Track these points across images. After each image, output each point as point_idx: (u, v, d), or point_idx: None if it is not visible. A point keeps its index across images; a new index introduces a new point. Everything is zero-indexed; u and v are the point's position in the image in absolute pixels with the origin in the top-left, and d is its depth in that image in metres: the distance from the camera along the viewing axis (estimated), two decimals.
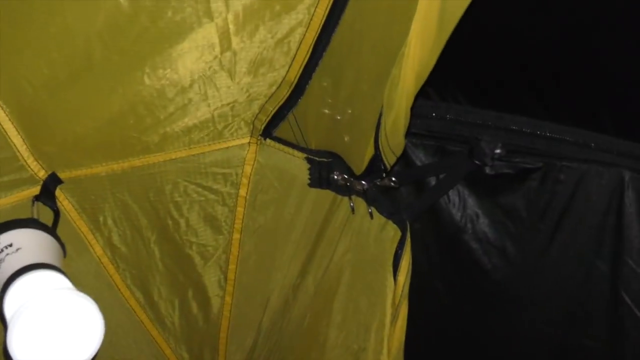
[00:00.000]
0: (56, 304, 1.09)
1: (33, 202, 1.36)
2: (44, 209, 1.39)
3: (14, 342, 1.05)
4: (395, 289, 1.47)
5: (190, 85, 1.28)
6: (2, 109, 1.17)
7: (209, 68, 1.25)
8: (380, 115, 1.21)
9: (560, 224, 1.61)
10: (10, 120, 1.19)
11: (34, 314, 1.06)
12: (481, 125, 1.54)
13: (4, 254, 1.21)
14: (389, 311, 1.48)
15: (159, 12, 1.09)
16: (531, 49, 1.41)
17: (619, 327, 1.59)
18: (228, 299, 1.79)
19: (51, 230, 1.34)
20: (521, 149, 1.55)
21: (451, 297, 1.85)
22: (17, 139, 1.24)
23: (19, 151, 1.26)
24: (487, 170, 1.61)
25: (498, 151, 1.54)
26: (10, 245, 1.23)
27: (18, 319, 1.04)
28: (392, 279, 1.47)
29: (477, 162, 1.56)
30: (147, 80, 1.22)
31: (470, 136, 1.56)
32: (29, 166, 1.31)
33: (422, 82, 1.11)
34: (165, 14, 1.10)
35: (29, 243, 1.26)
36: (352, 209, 1.50)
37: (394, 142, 1.25)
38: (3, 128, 1.20)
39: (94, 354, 1.16)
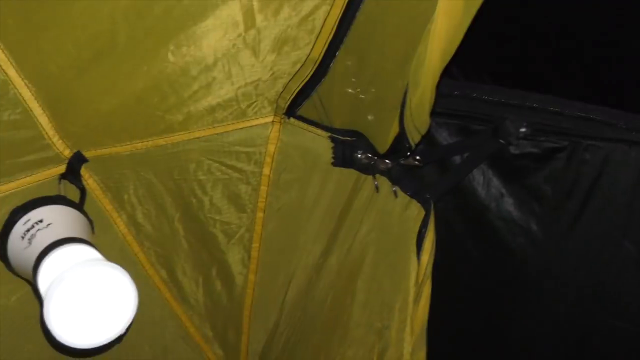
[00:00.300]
0: (91, 275, 1.11)
1: (59, 180, 1.38)
2: (70, 187, 1.40)
3: (52, 314, 1.07)
4: (419, 268, 1.46)
5: (214, 63, 1.28)
6: (28, 88, 1.17)
7: (233, 46, 1.25)
8: (405, 93, 1.20)
9: (586, 204, 1.59)
10: (36, 99, 1.20)
11: (70, 285, 1.08)
12: (506, 104, 1.53)
13: (35, 229, 1.23)
14: (412, 290, 1.48)
15: None
16: (556, 26, 1.40)
17: None
18: (251, 277, 1.80)
19: (79, 206, 1.36)
20: (546, 127, 1.54)
21: (475, 276, 1.85)
22: (42, 118, 1.25)
23: (44, 130, 1.27)
24: (512, 149, 1.59)
25: (523, 130, 1.53)
26: (41, 221, 1.25)
27: (54, 291, 1.06)
28: (415, 258, 1.46)
29: (501, 141, 1.55)
30: (171, 58, 1.22)
31: (495, 115, 1.55)
32: (55, 145, 1.32)
33: (448, 59, 1.11)
34: None
35: (59, 218, 1.27)
36: (377, 188, 1.50)
37: (419, 120, 1.24)
38: (29, 107, 1.20)
39: (128, 324, 1.18)
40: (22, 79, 1.15)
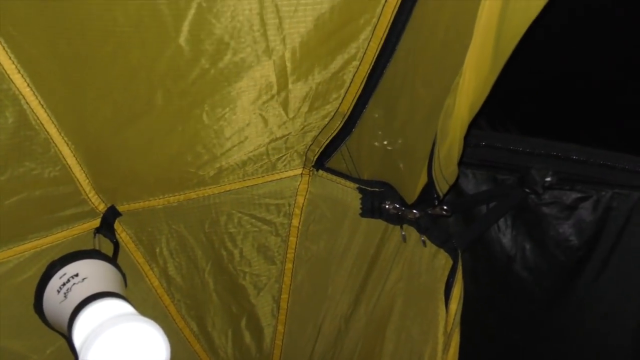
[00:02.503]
0: (125, 330, 1.11)
1: (94, 234, 1.40)
2: (104, 241, 1.43)
3: None
4: (447, 317, 1.46)
5: (247, 125, 1.31)
6: (68, 145, 1.20)
7: (266, 107, 1.28)
8: (434, 144, 1.22)
9: (612, 253, 1.59)
10: (74, 156, 1.23)
11: (105, 340, 1.09)
12: (531, 154, 1.54)
13: (70, 283, 1.25)
14: (441, 339, 1.48)
15: (219, 54, 1.12)
16: (582, 75, 1.42)
17: None
18: (280, 328, 1.81)
19: (113, 260, 1.38)
20: (572, 176, 1.55)
21: (501, 326, 1.84)
22: (80, 174, 1.28)
23: (81, 186, 1.30)
24: (538, 198, 1.60)
25: (549, 179, 1.54)
26: (77, 275, 1.26)
27: (90, 346, 1.07)
28: (444, 307, 1.47)
29: (527, 190, 1.56)
30: (205, 119, 1.25)
31: (521, 164, 1.56)
32: (90, 200, 1.35)
33: (476, 111, 1.12)
34: (225, 55, 1.13)
35: (94, 273, 1.29)
36: (404, 238, 1.51)
37: (447, 170, 1.26)
38: (68, 163, 1.24)
39: None
40: (63, 137, 1.18)
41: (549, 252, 1.69)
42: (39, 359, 1.46)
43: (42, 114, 1.13)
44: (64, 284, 1.27)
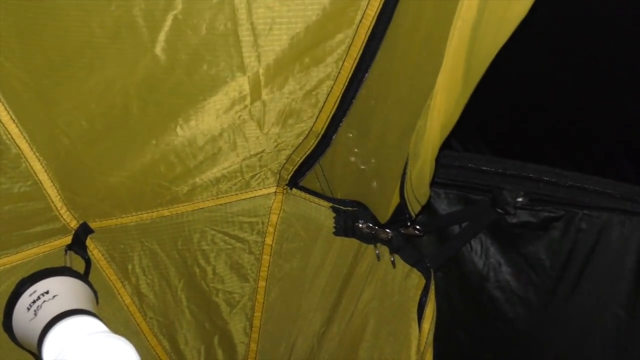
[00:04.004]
0: (96, 348, 1.10)
1: (66, 251, 1.39)
2: (75, 258, 1.41)
3: None
4: (420, 336, 1.47)
5: (220, 134, 1.30)
6: (39, 160, 1.19)
7: (239, 117, 1.28)
8: (406, 165, 1.23)
9: (583, 273, 1.61)
10: (46, 171, 1.22)
11: (75, 358, 1.08)
12: (503, 174, 1.56)
13: (40, 301, 1.23)
14: (414, 358, 1.48)
15: (194, 65, 1.13)
16: (551, 98, 1.43)
17: None
18: (253, 346, 1.80)
19: (84, 278, 1.37)
20: (543, 197, 1.56)
21: (474, 345, 1.85)
22: (52, 190, 1.26)
23: (53, 202, 1.29)
24: (510, 218, 1.62)
25: (520, 200, 1.55)
26: (47, 292, 1.25)
27: None
28: (416, 326, 1.47)
29: (499, 210, 1.58)
30: (179, 131, 1.25)
31: (493, 185, 1.57)
32: (62, 216, 1.34)
33: (447, 132, 1.13)
34: (201, 67, 1.13)
35: (64, 290, 1.28)
36: (378, 257, 1.52)
37: (419, 191, 1.27)
38: (39, 179, 1.22)
39: None
40: (34, 152, 1.17)
41: (521, 271, 1.71)
42: None
43: (14, 129, 1.12)
44: (34, 302, 1.25)
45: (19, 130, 1.13)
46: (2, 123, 1.10)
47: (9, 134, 1.12)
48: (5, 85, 1.06)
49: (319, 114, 1.32)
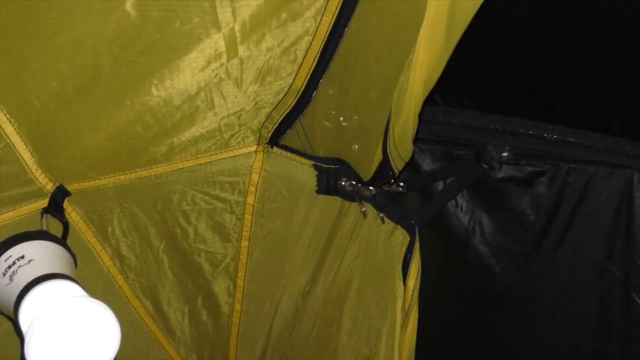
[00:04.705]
0: (73, 312, 1.09)
1: (42, 214, 1.36)
2: (53, 221, 1.39)
3: (33, 352, 1.05)
4: (405, 293, 1.47)
5: (197, 93, 1.28)
6: (10, 123, 1.16)
7: (216, 76, 1.25)
8: (388, 121, 1.21)
9: (569, 227, 1.60)
10: (18, 134, 1.19)
11: (51, 323, 1.07)
12: (488, 130, 1.53)
13: (16, 265, 1.21)
14: (399, 316, 1.48)
15: (166, 22, 1.10)
16: (536, 51, 1.41)
17: (632, 329, 1.58)
18: (237, 306, 1.80)
19: (61, 241, 1.35)
20: (528, 152, 1.54)
21: (460, 301, 1.85)
22: (25, 153, 1.24)
23: (27, 165, 1.26)
24: (495, 174, 1.60)
25: (505, 154, 1.53)
26: (22, 257, 1.23)
27: (35, 329, 1.04)
28: (401, 283, 1.47)
29: (484, 165, 1.56)
30: (154, 91, 1.22)
31: (477, 140, 1.55)
32: (37, 179, 1.31)
33: (430, 88, 1.12)
34: (173, 24, 1.10)
35: (40, 254, 1.26)
36: (364, 214, 1.50)
37: (402, 148, 1.25)
38: (11, 142, 1.20)
39: (112, 359, 1.17)
40: (5, 114, 1.14)
41: (507, 226, 1.70)
42: None
43: None
44: (9, 267, 1.23)
45: None
46: None
47: None
48: None
49: (298, 71, 1.29)
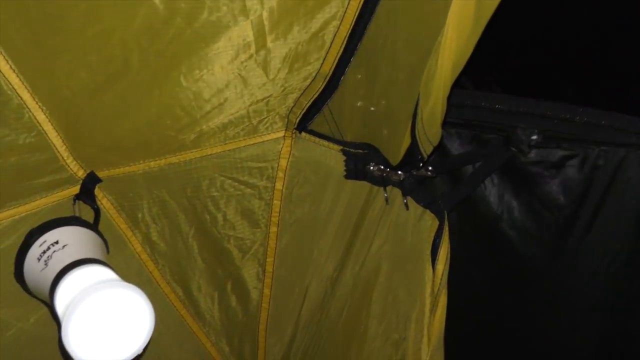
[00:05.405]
0: (107, 296, 1.11)
1: (74, 201, 1.38)
2: (85, 208, 1.41)
3: (70, 336, 1.07)
4: (434, 278, 1.46)
5: (227, 85, 1.28)
6: (42, 111, 1.18)
7: (245, 66, 1.25)
8: (417, 105, 1.20)
9: (598, 211, 1.58)
10: (50, 122, 1.20)
11: (87, 307, 1.08)
12: (517, 113, 1.52)
13: (50, 251, 1.23)
14: (428, 300, 1.48)
15: (194, 13, 1.10)
16: (566, 34, 1.40)
17: None
18: (266, 291, 1.81)
19: (94, 227, 1.37)
20: (558, 135, 1.53)
21: (490, 286, 1.84)
22: (57, 140, 1.25)
23: (59, 152, 1.28)
24: (524, 157, 1.59)
25: (534, 138, 1.52)
26: (57, 242, 1.25)
27: (72, 313, 1.06)
28: (430, 268, 1.47)
29: (513, 149, 1.55)
30: (183, 82, 1.22)
31: (506, 124, 1.54)
32: (69, 166, 1.33)
33: (459, 71, 1.11)
34: (201, 14, 1.10)
35: (74, 240, 1.28)
36: (387, 200, 1.50)
37: (431, 131, 1.24)
38: (44, 129, 1.21)
39: (145, 343, 1.18)
40: (37, 102, 1.15)
41: (536, 211, 1.68)
42: (23, 327, 1.45)
43: (14, 79, 1.10)
44: (44, 252, 1.26)
45: (20, 80, 1.10)
46: (2, 73, 1.08)
47: (10, 84, 1.10)
48: (2, 36, 1.03)
49: (325, 56, 1.29)
